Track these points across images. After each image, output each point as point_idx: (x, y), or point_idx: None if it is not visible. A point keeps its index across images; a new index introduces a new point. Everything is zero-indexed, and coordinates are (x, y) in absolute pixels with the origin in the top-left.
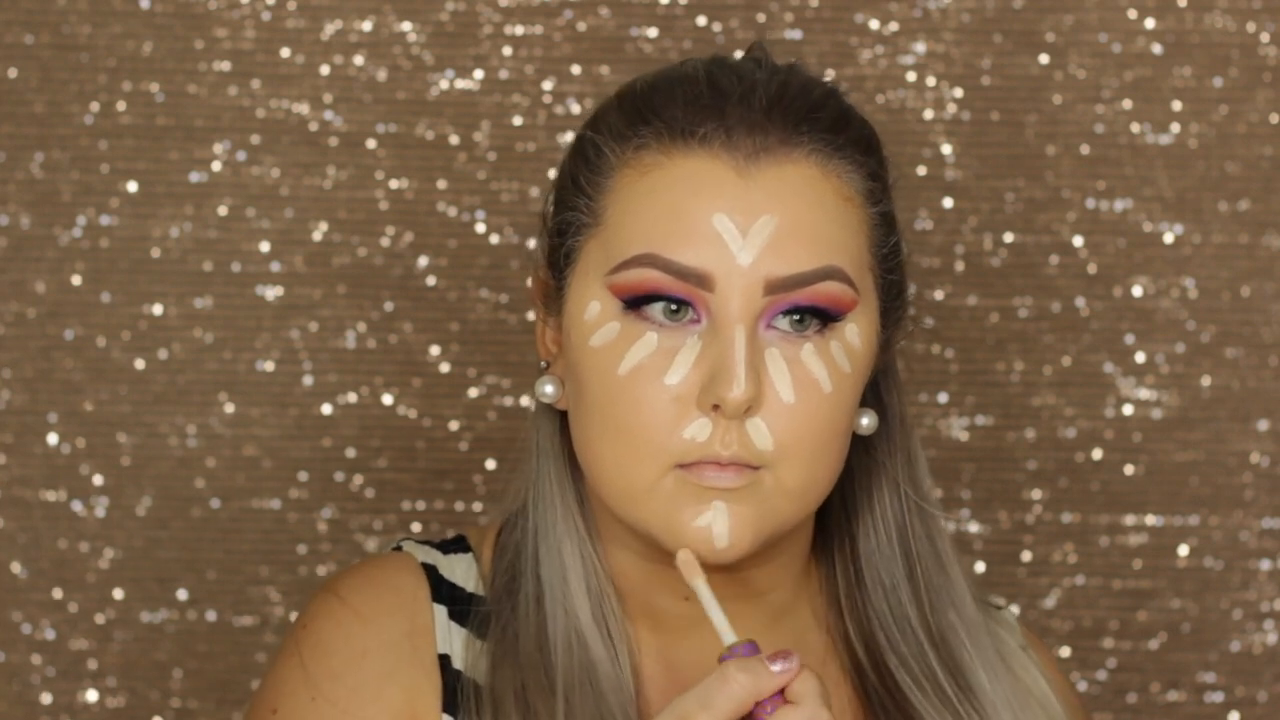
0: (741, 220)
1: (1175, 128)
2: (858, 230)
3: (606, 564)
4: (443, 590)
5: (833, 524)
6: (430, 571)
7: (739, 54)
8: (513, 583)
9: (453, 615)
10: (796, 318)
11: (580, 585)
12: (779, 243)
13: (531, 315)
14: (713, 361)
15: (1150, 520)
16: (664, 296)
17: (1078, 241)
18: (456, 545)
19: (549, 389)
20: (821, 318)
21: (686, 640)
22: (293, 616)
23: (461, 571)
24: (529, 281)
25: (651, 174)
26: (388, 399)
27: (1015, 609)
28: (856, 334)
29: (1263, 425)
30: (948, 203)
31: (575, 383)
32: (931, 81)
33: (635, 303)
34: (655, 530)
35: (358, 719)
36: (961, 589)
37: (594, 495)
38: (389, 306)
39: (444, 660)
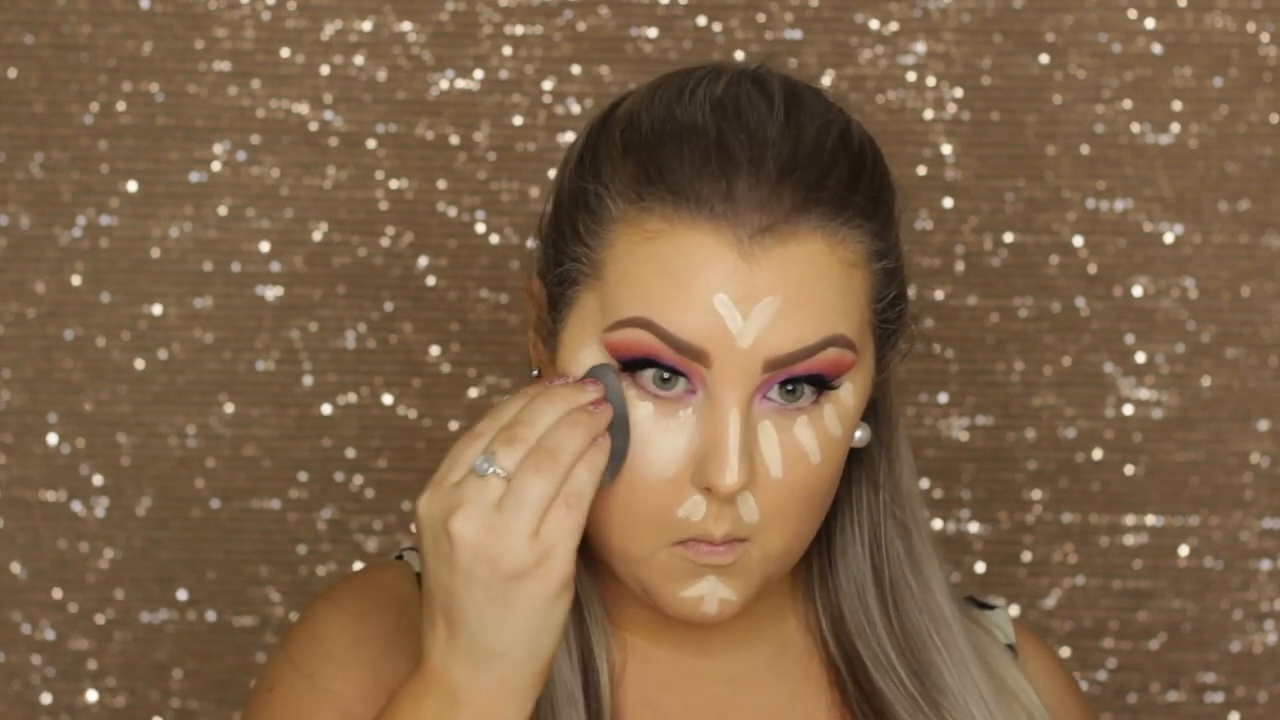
0: (744, 302)
1: (1175, 128)
2: (860, 292)
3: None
4: None
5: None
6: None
7: (740, 54)
8: None
9: None
10: (790, 389)
11: None
12: (780, 321)
13: None
14: (706, 441)
15: (1150, 520)
16: (658, 363)
17: (1078, 241)
18: None
19: None
20: (818, 384)
21: (661, 643)
22: (293, 616)
23: None
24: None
25: (655, 241)
26: (388, 399)
27: (1015, 609)
28: (851, 392)
29: (1263, 425)
30: (948, 203)
31: None
32: (931, 81)
33: (630, 365)
34: (647, 592)
35: (352, 699)
36: (937, 588)
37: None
38: (389, 306)
39: None
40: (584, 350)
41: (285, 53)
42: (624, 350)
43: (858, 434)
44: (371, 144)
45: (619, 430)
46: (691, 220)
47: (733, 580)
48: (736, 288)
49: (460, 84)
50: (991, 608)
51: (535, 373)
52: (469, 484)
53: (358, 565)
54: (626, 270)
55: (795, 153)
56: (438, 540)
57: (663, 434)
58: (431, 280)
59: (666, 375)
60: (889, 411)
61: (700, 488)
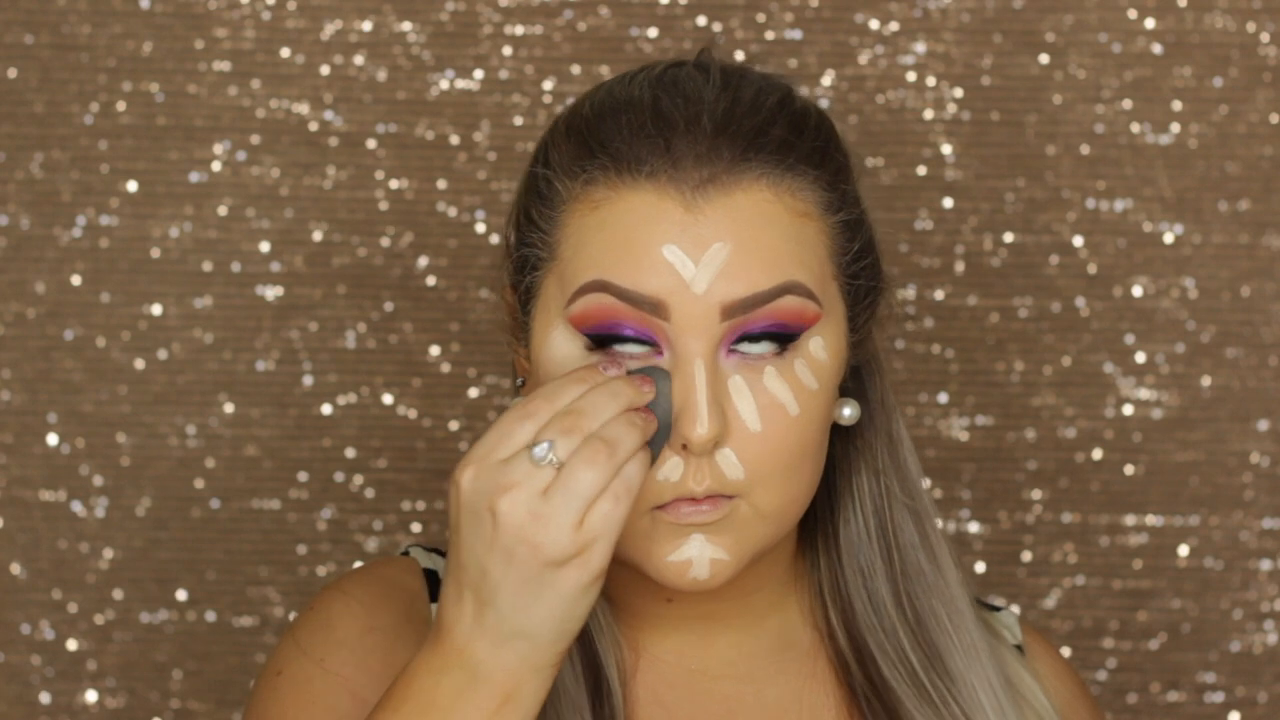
0: (693, 250)
1: (1175, 128)
2: (815, 243)
3: None
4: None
5: (817, 514)
6: (431, 577)
7: (740, 54)
8: None
9: None
10: (754, 339)
11: None
12: (733, 268)
13: None
14: (677, 398)
15: (1150, 520)
16: (621, 333)
17: (1078, 241)
18: None
19: None
20: (779, 340)
21: (667, 640)
22: (292, 617)
23: None
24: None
25: (601, 208)
26: (388, 399)
27: (1015, 609)
28: (822, 347)
29: (1263, 425)
30: (948, 203)
31: None
32: (931, 81)
33: (597, 340)
34: (636, 563)
35: (364, 685)
36: (949, 575)
37: None
38: (389, 306)
39: None
40: (552, 332)
41: (285, 53)
42: (586, 321)
43: (846, 410)
44: (371, 144)
45: (660, 432)
46: (634, 182)
47: (721, 538)
48: (683, 237)
49: (460, 84)
50: (997, 609)
51: (520, 381)
52: (519, 466)
53: (358, 565)
54: (579, 242)
55: (732, 109)
56: (479, 517)
57: None
58: (431, 280)
59: (632, 341)
60: (883, 397)
61: (677, 448)
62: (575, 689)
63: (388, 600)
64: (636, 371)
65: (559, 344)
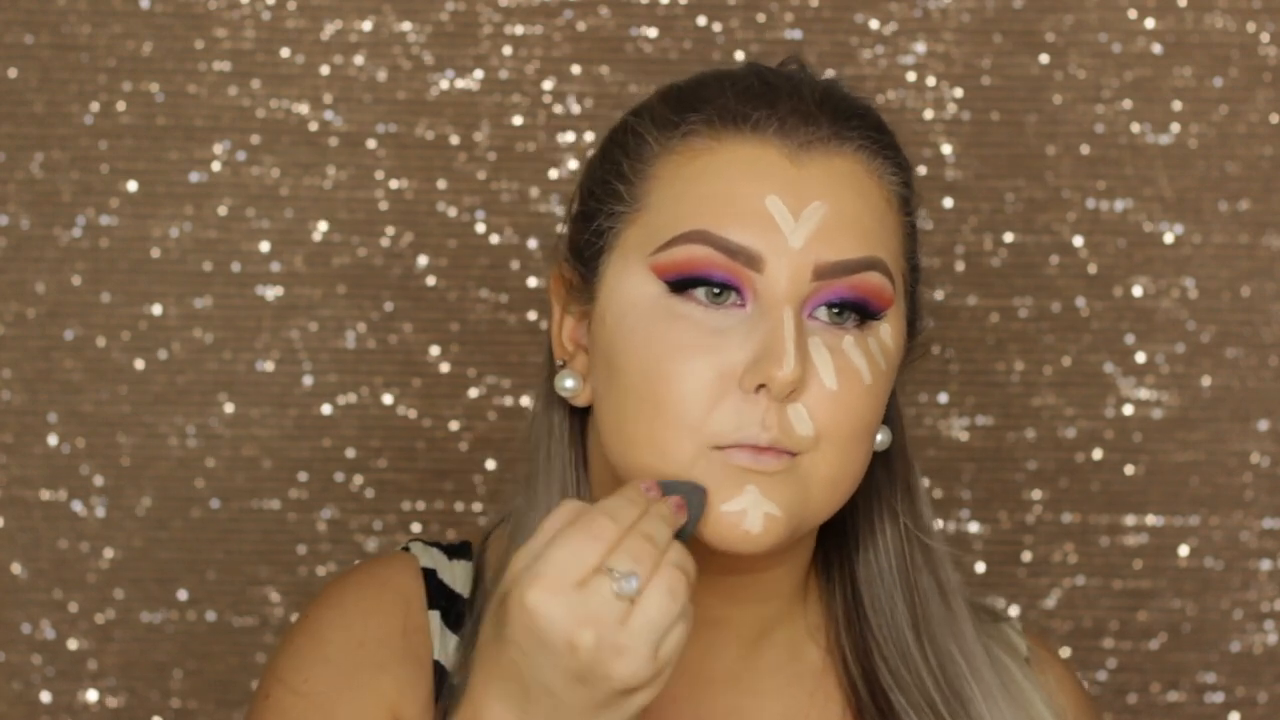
0: (794, 204)
1: (1175, 128)
2: (896, 232)
3: None
4: (439, 596)
5: (831, 551)
6: (429, 576)
7: (740, 54)
8: (495, 582)
9: (446, 621)
10: (836, 310)
11: None
12: (828, 229)
13: (532, 315)
14: (759, 342)
15: (1150, 520)
16: (710, 279)
17: (1078, 241)
18: (461, 551)
19: (569, 383)
20: (860, 313)
21: None
22: (293, 617)
23: (461, 577)
24: (548, 279)
25: (701, 158)
26: (388, 399)
27: (1015, 610)
28: (890, 334)
29: (1263, 425)
30: (948, 203)
31: (608, 369)
32: (931, 81)
33: (680, 285)
34: None
35: (345, 700)
36: (964, 621)
37: (600, 488)
38: (389, 306)
39: (438, 666)
40: (629, 278)
41: (285, 53)
42: (675, 269)
43: (879, 437)
44: (371, 144)
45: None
46: (738, 133)
47: (778, 492)
48: (786, 190)
49: (460, 84)
50: (1003, 619)
51: (560, 364)
52: (599, 597)
53: (358, 564)
54: (673, 191)
55: (830, 90)
56: (553, 646)
57: (712, 336)
58: (431, 280)
59: (718, 290)
60: (902, 444)
61: (751, 389)
62: None
63: (382, 610)
64: (668, 488)
65: (636, 286)
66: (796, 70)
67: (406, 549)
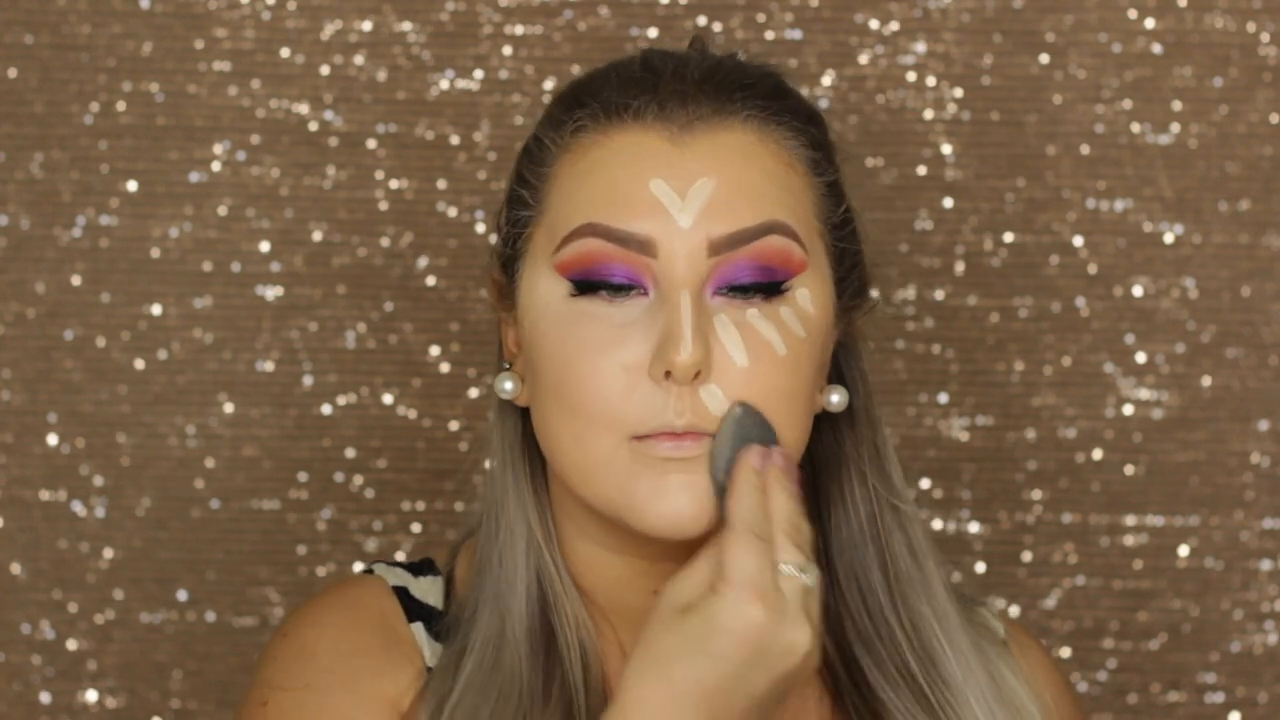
0: (679, 184)
1: (1175, 128)
2: (802, 195)
3: (572, 562)
4: (416, 610)
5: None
6: (402, 593)
7: (740, 55)
8: (470, 593)
9: (430, 631)
10: (742, 291)
11: (521, 587)
12: (718, 203)
13: None
14: (661, 330)
15: (1150, 520)
16: (609, 280)
17: (1078, 241)
18: (425, 568)
19: (508, 385)
20: (766, 290)
21: None
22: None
23: (432, 592)
24: (483, 289)
25: (591, 153)
26: (388, 399)
27: (1015, 610)
28: (809, 299)
29: (1263, 425)
30: (948, 203)
31: (533, 371)
32: (931, 81)
33: (583, 287)
34: (616, 506)
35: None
36: (935, 580)
37: (559, 486)
38: (389, 306)
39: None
40: (540, 282)
41: (285, 53)
42: (573, 266)
43: (834, 397)
44: (371, 144)
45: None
46: (621, 125)
47: (699, 476)
48: (670, 171)
49: (460, 84)
50: (978, 603)
51: (508, 365)
52: (801, 595)
53: (358, 566)
54: (568, 189)
55: (719, 65)
56: (766, 653)
57: (617, 331)
58: (431, 280)
59: (618, 286)
60: (867, 405)
61: (659, 377)
62: (559, 693)
63: (358, 625)
64: (740, 433)
65: (547, 289)
66: (693, 51)
67: (370, 571)
